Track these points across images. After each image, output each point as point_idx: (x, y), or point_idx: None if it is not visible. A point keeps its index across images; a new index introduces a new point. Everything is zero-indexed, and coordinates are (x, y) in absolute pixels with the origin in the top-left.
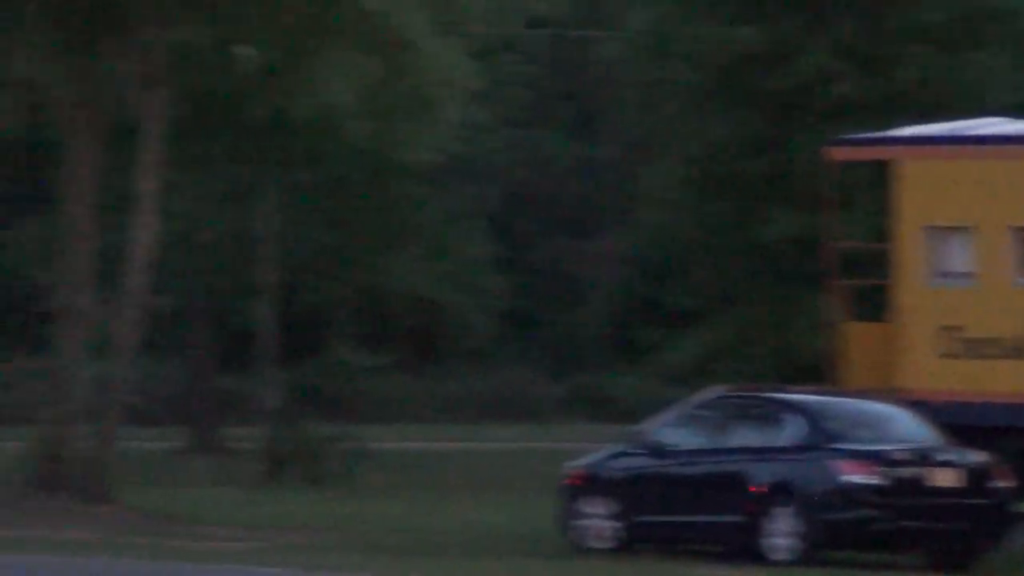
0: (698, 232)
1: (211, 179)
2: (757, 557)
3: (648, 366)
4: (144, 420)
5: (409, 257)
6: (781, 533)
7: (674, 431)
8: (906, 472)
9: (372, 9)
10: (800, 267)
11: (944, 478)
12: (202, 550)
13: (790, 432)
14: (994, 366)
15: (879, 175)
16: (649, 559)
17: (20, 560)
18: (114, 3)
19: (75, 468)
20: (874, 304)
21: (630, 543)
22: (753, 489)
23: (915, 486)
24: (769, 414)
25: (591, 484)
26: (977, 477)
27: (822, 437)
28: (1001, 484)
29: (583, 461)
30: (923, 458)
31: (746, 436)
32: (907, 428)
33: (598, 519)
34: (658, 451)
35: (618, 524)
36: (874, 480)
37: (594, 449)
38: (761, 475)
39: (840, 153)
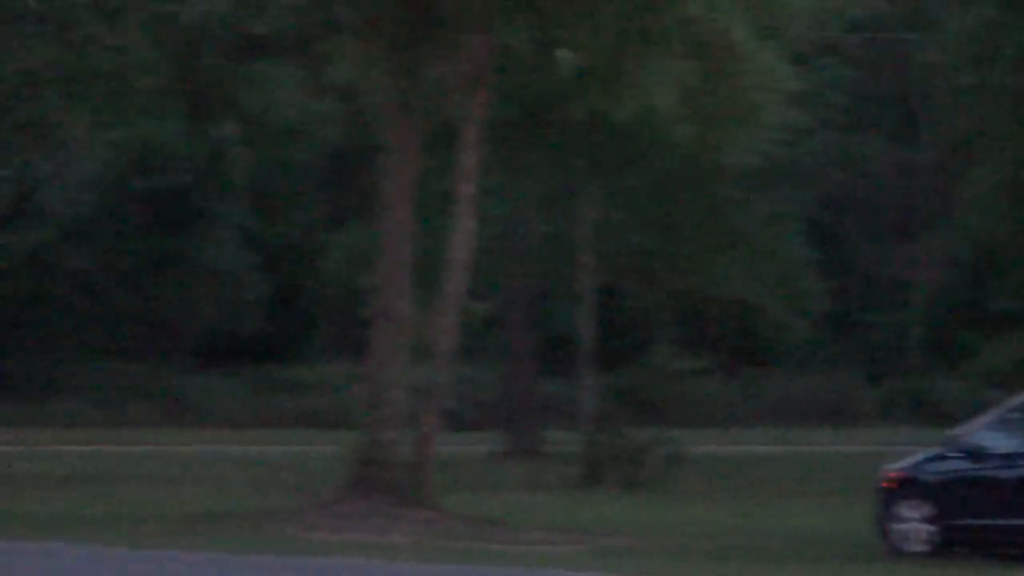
0: (1018, 235)
1: (530, 183)
2: None
3: (968, 369)
4: (462, 424)
5: (730, 261)
6: None
7: (992, 434)
8: None
9: (694, 14)
10: None
11: None
12: (519, 554)
13: None
14: None
15: None
16: (965, 563)
17: (334, 564)
18: (436, 8)
19: (394, 472)
20: None
21: (946, 547)
22: None
23: None
24: None
25: (908, 487)
26: None
27: None
28: None
29: (901, 464)
30: None
31: None
32: None
33: (915, 522)
34: (975, 454)
35: (934, 527)
36: None
37: (911, 452)
38: None
39: None
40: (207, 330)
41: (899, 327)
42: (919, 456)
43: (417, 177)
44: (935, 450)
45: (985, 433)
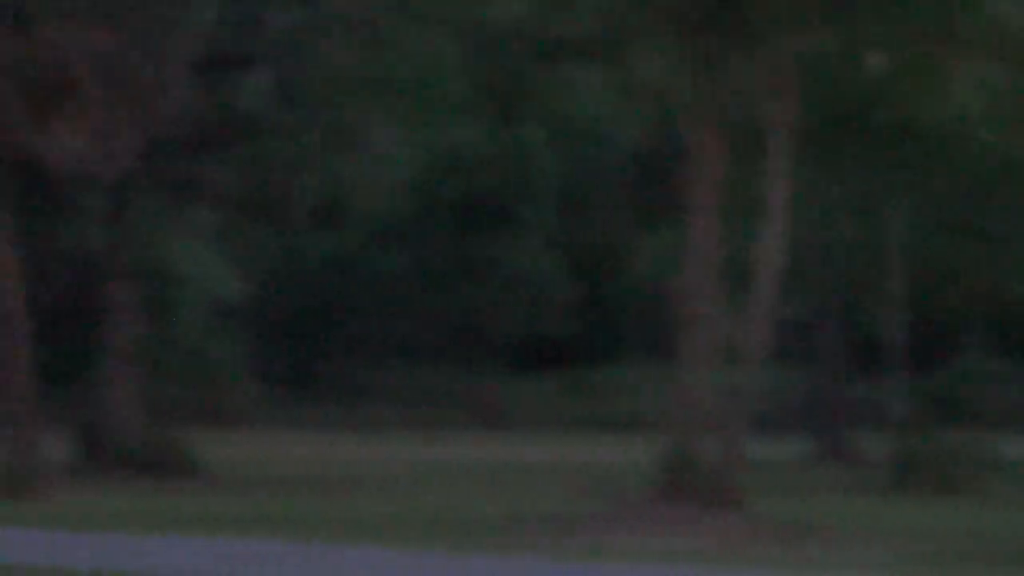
0: None
1: (840, 187)
2: None
3: None
4: (770, 428)
5: None
6: None
7: None
8: None
9: (1002, 18)
10: None
11: None
12: (833, 560)
13: None
14: None
15: None
16: None
17: (631, 570)
18: (746, 11)
19: (702, 476)
20: None
21: None
22: None
23: None
24: None
25: None
26: None
27: None
28: None
29: None
30: None
31: None
32: None
33: None
34: None
35: None
36: None
37: None
38: None
39: None
40: (514, 333)
41: None
42: None
43: (723, 180)
44: None
45: None
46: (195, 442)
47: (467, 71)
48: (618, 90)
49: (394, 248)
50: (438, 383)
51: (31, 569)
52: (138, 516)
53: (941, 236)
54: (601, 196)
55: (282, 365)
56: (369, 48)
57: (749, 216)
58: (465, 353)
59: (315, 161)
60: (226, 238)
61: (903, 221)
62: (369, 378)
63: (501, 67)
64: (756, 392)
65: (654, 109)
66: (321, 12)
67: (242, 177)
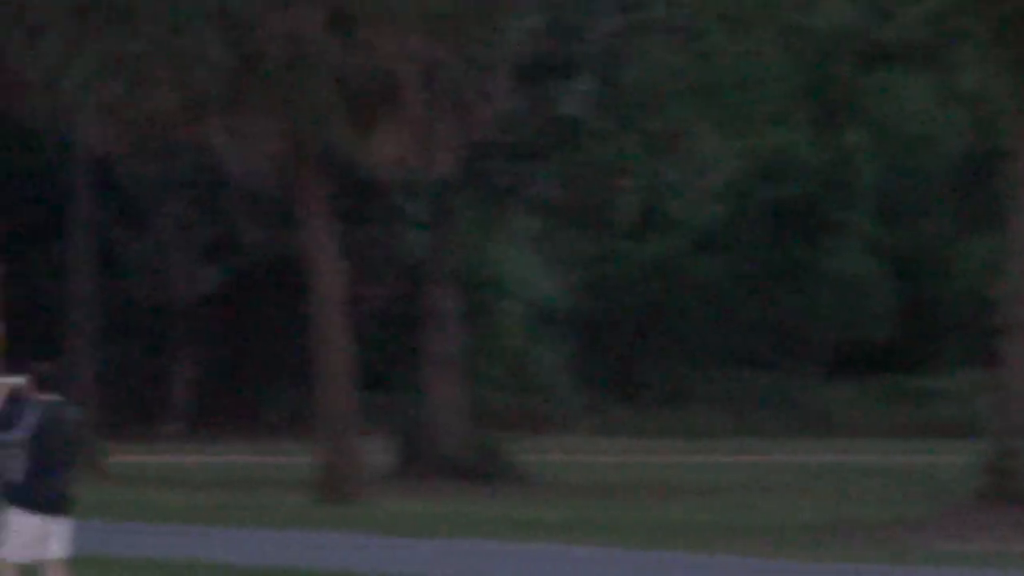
0: None
1: None
2: None
3: None
4: None
5: None
6: None
7: None
8: None
9: None
10: None
11: None
12: None
13: None
14: None
15: None
16: None
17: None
18: None
19: (1022, 482)
20: None
21: None
22: None
23: None
24: None
25: None
26: None
27: None
28: None
29: None
30: None
31: None
32: None
33: None
34: None
35: None
36: None
37: None
38: None
39: None
40: (834, 339)
41: None
42: None
43: None
44: None
45: None
46: (515, 448)
47: (790, 76)
48: (941, 94)
49: (713, 253)
50: (758, 388)
51: (349, 574)
52: (457, 521)
53: None
54: (923, 201)
55: (602, 371)
56: (690, 54)
57: None
58: (785, 358)
59: (635, 167)
60: (546, 244)
61: None
62: (689, 383)
63: (824, 73)
64: None
65: (977, 113)
66: (642, 18)
67: (563, 183)
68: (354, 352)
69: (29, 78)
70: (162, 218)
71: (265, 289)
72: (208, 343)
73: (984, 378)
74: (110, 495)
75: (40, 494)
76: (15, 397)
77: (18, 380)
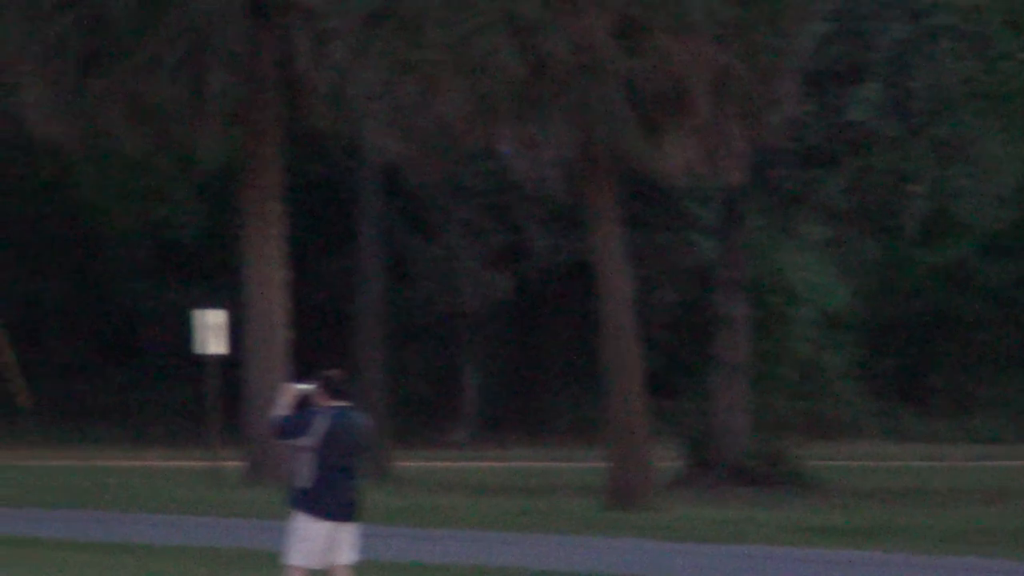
0: None
1: None
2: None
3: None
4: None
5: None
6: None
7: None
8: None
9: None
10: None
11: None
12: None
13: None
14: None
15: None
16: None
17: None
18: None
19: None
20: None
21: None
22: None
23: None
24: None
25: None
26: None
27: None
28: None
29: None
30: None
31: None
32: None
33: None
34: None
35: None
36: None
37: None
38: None
39: None
40: None
41: None
42: None
43: None
44: None
45: None
46: (803, 454)
47: None
48: None
49: (1001, 258)
50: None
51: None
52: (745, 527)
53: None
54: None
55: (890, 376)
56: (978, 59)
57: None
58: None
59: (923, 172)
60: (834, 249)
61: None
62: (976, 389)
63: None
64: None
65: None
66: (931, 24)
67: (851, 189)
68: (643, 359)
69: (318, 86)
70: (451, 225)
71: (553, 295)
72: (496, 349)
73: None
74: (398, 501)
75: (327, 500)
76: (305, 403)
77: (308, 387)
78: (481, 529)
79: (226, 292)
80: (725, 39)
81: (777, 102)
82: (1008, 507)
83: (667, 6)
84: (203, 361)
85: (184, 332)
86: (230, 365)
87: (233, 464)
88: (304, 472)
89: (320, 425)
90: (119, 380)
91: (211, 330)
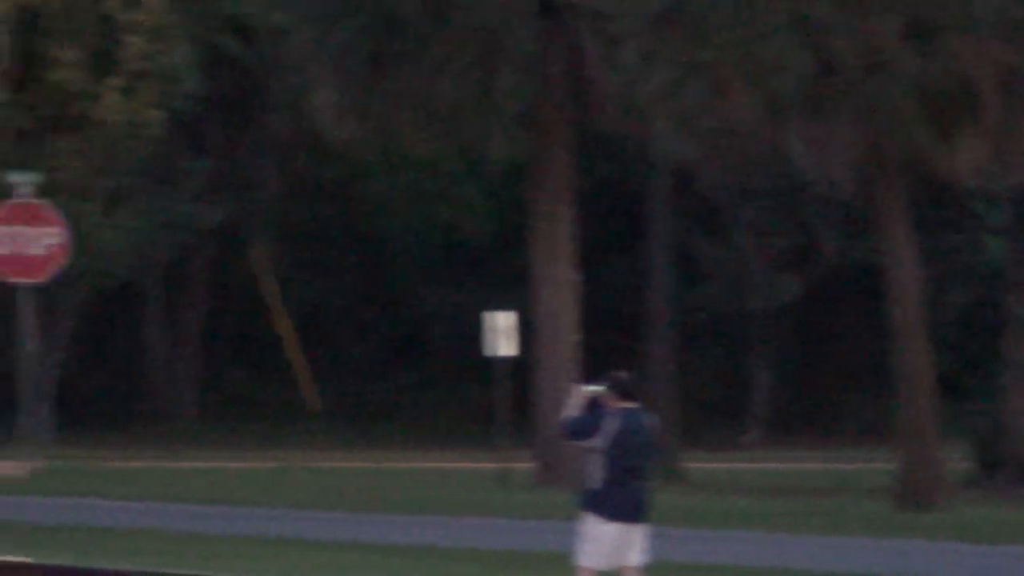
0: None
1: None
2: None
3: None
4: None
5: None
6: None
7: None
8: None
9: None
10: None
11: None
12: None
13: None
14: None
15: None
16: None
17: None
18: None
19: None
20: None
21: None
22: None
23: None
24: None
25: None
26: None
27: None
28: None
29: None
30: None
31: None
32: None
33: None
34: None
35: None
36: None
37: None
38: None
39: None
40: None
41: None
42: None
43: None
44: None
45: None
46: None
47: None
48: None
49: None
50: None
51: None
52: None
53: None
54: None
55: None
56: None
57: None
58: None
59: None
60: None
61: None
62: None
63: None
64: None
65: None
66: None
67: None
68: (934, 360)
69: (606, 88)
70: (739, 226)
71: (843, 296)
72: (785, 350)
73: None
74: (688, 502)
75: (617, 501)
76: (594, 405)
77: (597, 388)
78: (770, 530)
79: (515, 294)
80: (1014, 38)
81: None
82: None
83: (956, 6)
84: (492, 363)
85: (473, 334)
86: (519, 366)
87: (522, 466)
88: (594, 473)
89: (609, 426)
90: (408, 382)
91: (501, 332)
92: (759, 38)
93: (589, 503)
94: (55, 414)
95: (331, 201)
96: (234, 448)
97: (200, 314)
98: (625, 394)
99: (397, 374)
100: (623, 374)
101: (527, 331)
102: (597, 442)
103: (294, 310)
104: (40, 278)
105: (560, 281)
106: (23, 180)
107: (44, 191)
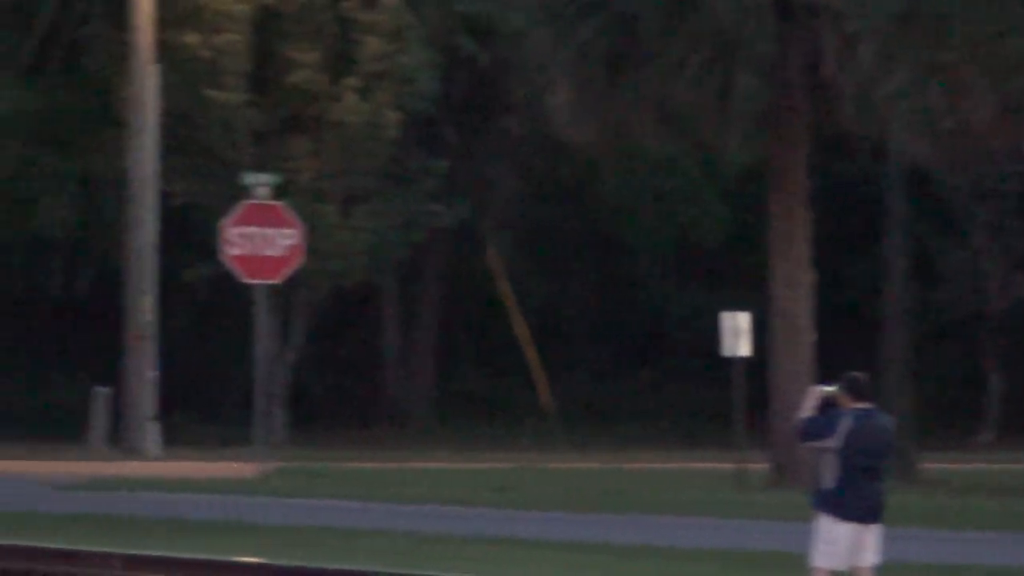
0: None
1: None
2: None
3: None
4: None
5: None
6: None
7: None
8: None
9: None
10: None
11: None
12: None
13: None
14: None
15: None
16: None
17: None
18: None
19: None
20: None
21: None
22: None
23: None
24: None
25: None
26: None
27: None
28: None
29: None
30: None
31: None
32: None
33: None
34: None
35: None
36: None
37: None
38: None
39: None
40: None
41: None
42: None
43: None
44: None
45: None
46: None
47: None
48: None
49: None
50: None
51: None
52: None
53: None
54: None
55: None
56: None
57: None
58: None
59: None
60: None
61: None
62: None
63: None
64: None
65: None
66: None
67: None
68: None
69: (844, 88)
70: (976, 226)
71: None
72: (1022, 351)
73: None
74: (924, 502)
75: (852, 502)
76: (829, 405)
77: (832, 388)
78: (1007, 531)
79: (751, 294)
80: None
81: None
82: None
83: None
84: (729, 363)
85: (710, 334)
86: (755, 367)
87: (758, 466)
88: (828, 474)
89: (844, 427)
90: (645, 382)
91: (738, 333)
92: (997, 36)
93: (822, 503)
94: (289, 415)
95: (567, 201)
96: (469, 449)
97: (436, 314)
98: (859, 394)
99: (633, 375)
100: (858, 374)
101: (762, 331)
102: (831, 442)
103: (529, 310)
104: (276, 279)
105: (796, 281)
106: (261, 181)
107: (281, 192)
